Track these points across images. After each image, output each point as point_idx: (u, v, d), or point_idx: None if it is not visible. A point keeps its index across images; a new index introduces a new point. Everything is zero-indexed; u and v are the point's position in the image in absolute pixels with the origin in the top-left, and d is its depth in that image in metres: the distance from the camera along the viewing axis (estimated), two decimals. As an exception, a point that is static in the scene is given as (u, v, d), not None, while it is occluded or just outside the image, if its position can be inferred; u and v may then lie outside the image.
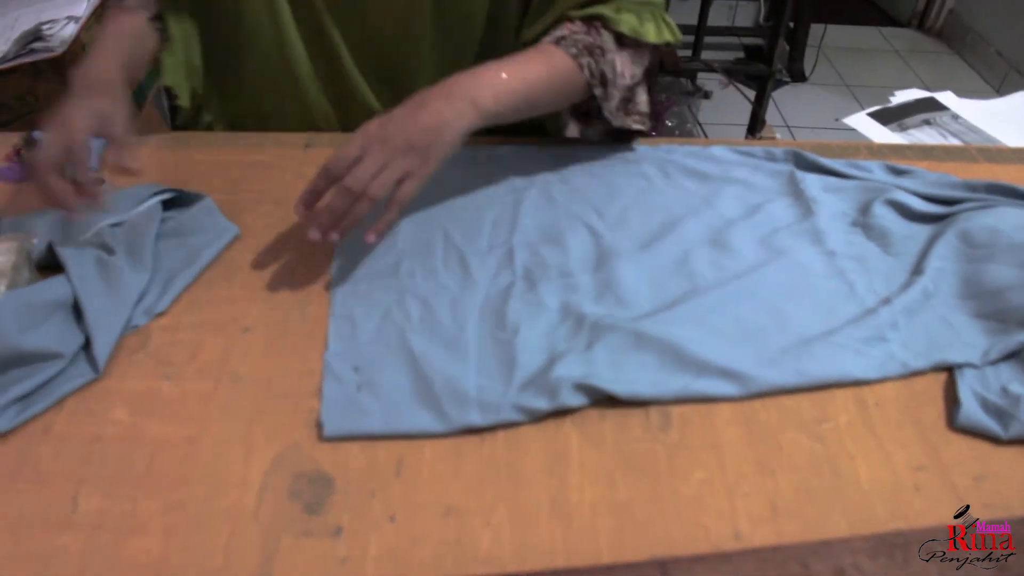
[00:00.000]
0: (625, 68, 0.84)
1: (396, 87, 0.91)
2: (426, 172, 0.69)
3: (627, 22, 0.82)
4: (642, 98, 0.90)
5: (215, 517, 0.56)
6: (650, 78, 0.90)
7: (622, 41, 0.83)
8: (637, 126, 0.89)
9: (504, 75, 0.74)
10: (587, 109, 0.88)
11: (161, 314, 0.71)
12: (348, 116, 0.95)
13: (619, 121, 0.87)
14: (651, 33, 0.84)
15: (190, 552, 0.54)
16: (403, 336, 0.69)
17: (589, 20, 0.83)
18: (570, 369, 0.65)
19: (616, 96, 0.85)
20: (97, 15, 0.90)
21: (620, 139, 0.94)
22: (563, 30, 0.82)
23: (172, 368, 0.66)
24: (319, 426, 0.62)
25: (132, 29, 0.86)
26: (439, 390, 0.64)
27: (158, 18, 0.90)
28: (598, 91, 0.83)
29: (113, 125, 0.72)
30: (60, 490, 0.57)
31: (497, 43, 0.88)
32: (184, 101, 0.95)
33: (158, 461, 0.59)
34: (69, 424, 0.61)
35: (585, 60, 0.80)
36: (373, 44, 0.90)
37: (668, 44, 0.87)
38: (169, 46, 0.92)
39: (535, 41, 0.84)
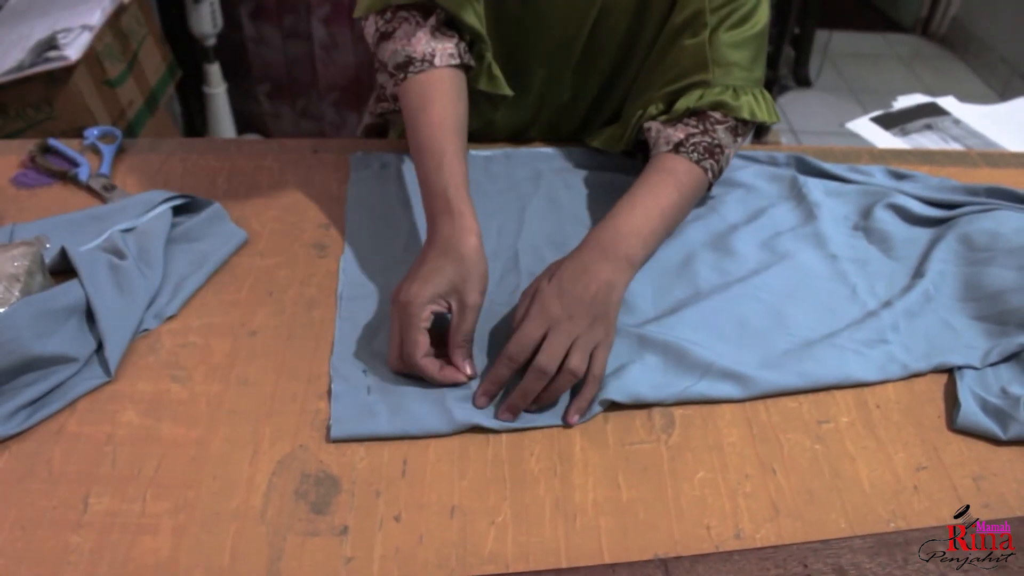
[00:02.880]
0: (733, 154, 0.85)
1: (533, 102, 0.93)
2: (612, 338, 0.68)
3: (747, 106, 0.81)
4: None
5: (223, 517, 0.57)
6: None
7: (736, 131, 0.82)
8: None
9: (643, 217, 0.74)
10: None
11: (171, 318, 0.72)
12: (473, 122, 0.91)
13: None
14: (764, 114, 0.83)
15: (199, 551, 0.55)
16: None
17: (704, 114, 0.81)
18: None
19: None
20: (394, 74, 0.78)
21: None
22: (679, 132, 0.80)
23: (181, 371, 0.67)
24: (325, 428, 0.63)
25: (462, 111, 0.77)
26: (446, 393, 0.65)
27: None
28: (713, 184, 0.84)
29: (462, 307, 0.66)
30: (72, 490, 0.58)
31: (627, 64, 0.89)
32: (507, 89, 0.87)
33: (167, 462, 0.60)
34: (81, 426, 0.62)
35: (708, 163, 0.80)
36: (521, 60, 0.89)
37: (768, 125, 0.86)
38: (492, 59, 0.85)
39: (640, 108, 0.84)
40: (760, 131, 2.52)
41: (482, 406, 0.65)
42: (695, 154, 0.79)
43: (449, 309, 0.66)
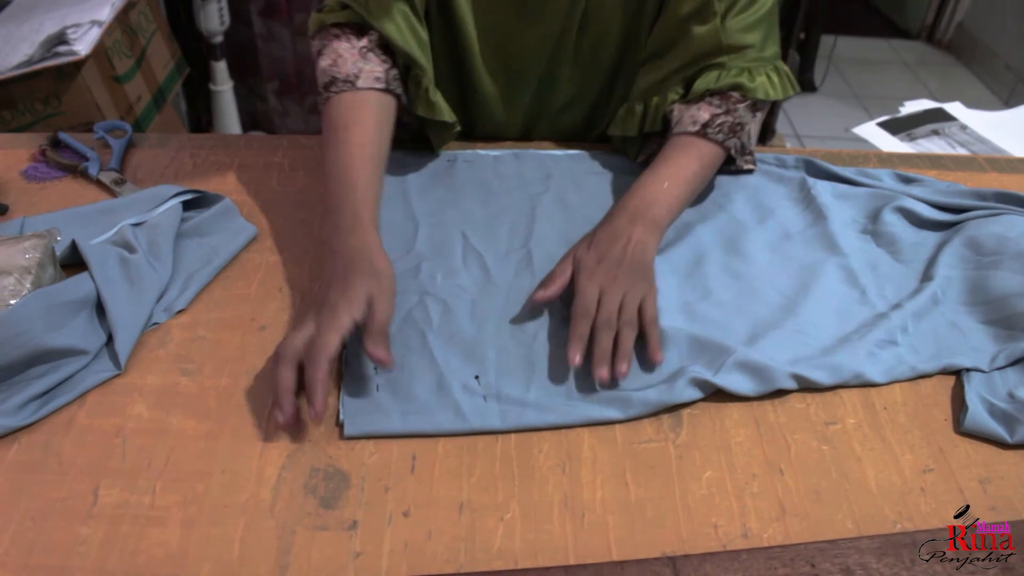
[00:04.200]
0: (755, 130, 0.90)
1: (533, 101, 0.95)
2: (655, 288, 0.74)
3: (762, 87, 0.84)
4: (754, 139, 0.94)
5: (232, 510, 0.57)
6: None
7: (755, 107, 0.86)
8: (749, 167, 0.94)
9: (667, 184, 0.80)
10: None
11: (181, 312, 0.72)
12: (477, 124, 0.98)
13: (738, 168, 0.93)
14: (780, 90, 0.86)
15: (208, 544, 0.55)
16: (423, 337, 0.70)
17: (725, 94, 0.84)
18: (592, 380, 0.67)
19: (744, 153, 0.91)
20: (321, 93, 0.81)
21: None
22: (704, 113, 0.84)
23: (191, 364, 0.67)
24: (336, 423, 0.63)
25: (377, 138, 0.78)
26: (458, 392, 0.65)
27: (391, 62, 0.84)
28: (738, 159, 0.90)
29: (375, 313, 0.65)
30: (81, 482, 0.58)
31: (628, 59, 0.91)
32: (452, 116, 0.90)
33: (177, 455, 0.60)
34: (91, 418, 0.63)
35: (732, 142, 0.85)
36: (513, 60, 0.91)
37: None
38: (431, 84, 0.86)
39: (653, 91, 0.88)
40: (765, 136, 2.53)
41: (579, 363, 0.67)
42: (720, 135, 0.84)
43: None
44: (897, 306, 0.75)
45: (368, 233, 0.70)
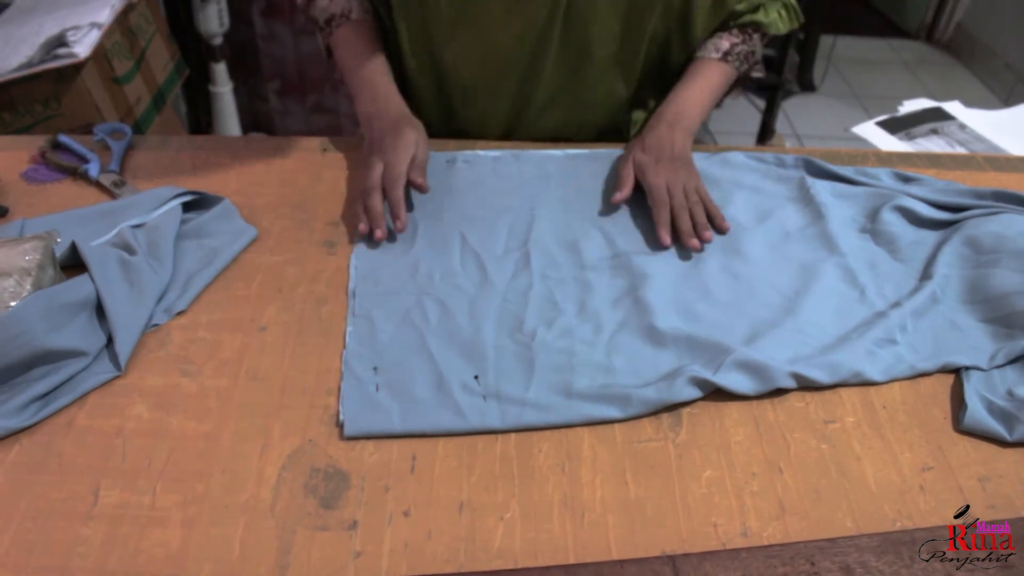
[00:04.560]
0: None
1: (517, 94, 0.98)
2: (698, 176, 0.89)
3: (774, 23, 0.98)
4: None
5: (232, 511, 0.57)
6: None
7: (764, 37, 1.01)
8: (758, 75, 1.11)
9: (695, 98, 0.95)
10: None
11: (181, 313, 0.72)
12: (459, 113, 1.03)
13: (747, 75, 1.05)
14: (786, 24, 1.00)
15: (208, 544, 0.55)
16: (422, 337, 0.70)
17: (743, 27, 0.97)
18: (592, 379, 0.67)
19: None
20: (323, 29, 0.96)
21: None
22: (726, 42, 0.97)
23: (191, 365, 0.67)
24: (335, 423, 0.63)
25: (380, 45, 0.95)
26: (458, 392, 0.65)
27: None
28: (752, 70, 1.03)
29: (418, 154, 0.84)
30: (82, 483, 0.58)
31: (624, 58, 0.95)
32: None
33: (177, 456, 0.60)
34: (91, 419, 0.63)
35: (744, 67, 1.00)
36: (495, 49, 0.94)
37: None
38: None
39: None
40: (764, 136, 2.53)
41: (668, 243, 0.81)
42: (737, 61, 0.98)
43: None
44: (896, 305, 0.75)
45: (401, 101, 0.90)
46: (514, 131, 1.02)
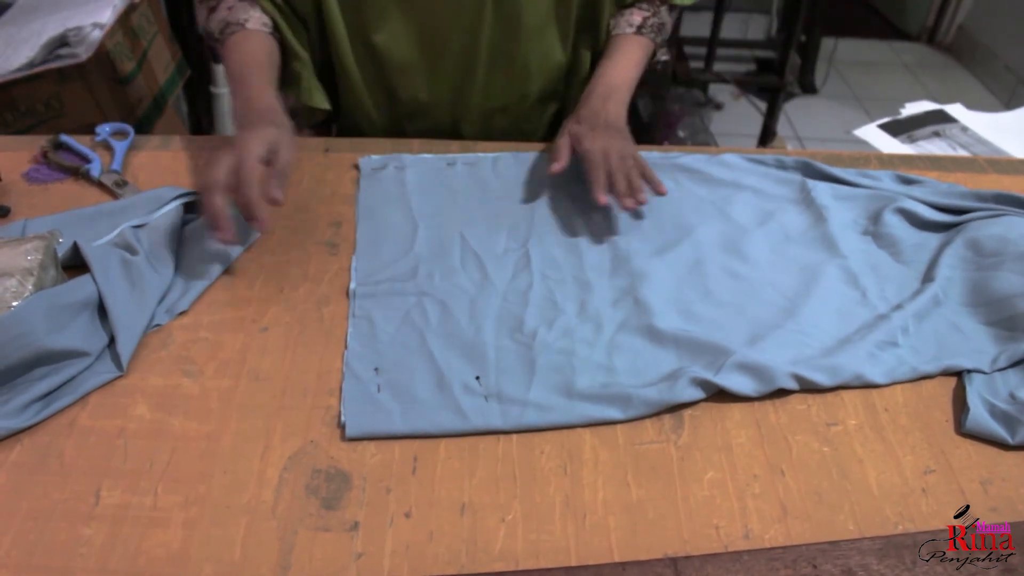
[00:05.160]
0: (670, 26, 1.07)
1: (456, 70, 0.99)
2: (635, 145, 0.89)
3: None
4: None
5: (234, 511, 0.57)
6: None
7: (672, 10, 1.04)
8: (664, 57, 1.09)
9: (622, 72, 0.96)
10: None
11: (182, 313, 0.72)
12: (401, 94, 1.02)
13: (656, 58, 1.07)
14: None
15: (209, 545, 0.55)
16: (422, 338, 0.70)
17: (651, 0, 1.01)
18: (592, 379, 0.67)
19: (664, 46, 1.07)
20: (219, 39, 0.91)
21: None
22: (637, 16, 1.00)
23: (193, 366, 0.67)
24: (337, 424, 0.63)
25: (265, 48, 0.90)
26: (459, 392, 0.65)
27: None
28: (658, 52, 1.05)
29: (279, 151, 0.75)
30: (83, 483, 0.58)
31: (556, 21, 0.98)
32: (325, 104, 1.00)
33: (179, 456, 0.60)
34: (93, 419, 0.63)
35: (659, 39, 1.02)
36: (435, 35, 0.95)
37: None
38: (301, 62, 0.96)
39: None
40: (766, 138, 2.53)
41: (605, 202, 0.82)
42: (652, 33, 1.00)
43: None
44: (898, 307, 0.75)
45: (273, 100, 0.83)
46: (458, 106, 1.03)
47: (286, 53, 0.94)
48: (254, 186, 0.71)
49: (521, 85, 1.02)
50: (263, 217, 0.72)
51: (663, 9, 1.02)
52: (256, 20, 0.90)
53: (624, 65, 0.97)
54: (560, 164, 0.86)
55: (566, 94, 1.08)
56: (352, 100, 1.03)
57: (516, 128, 1.08)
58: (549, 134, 1.13)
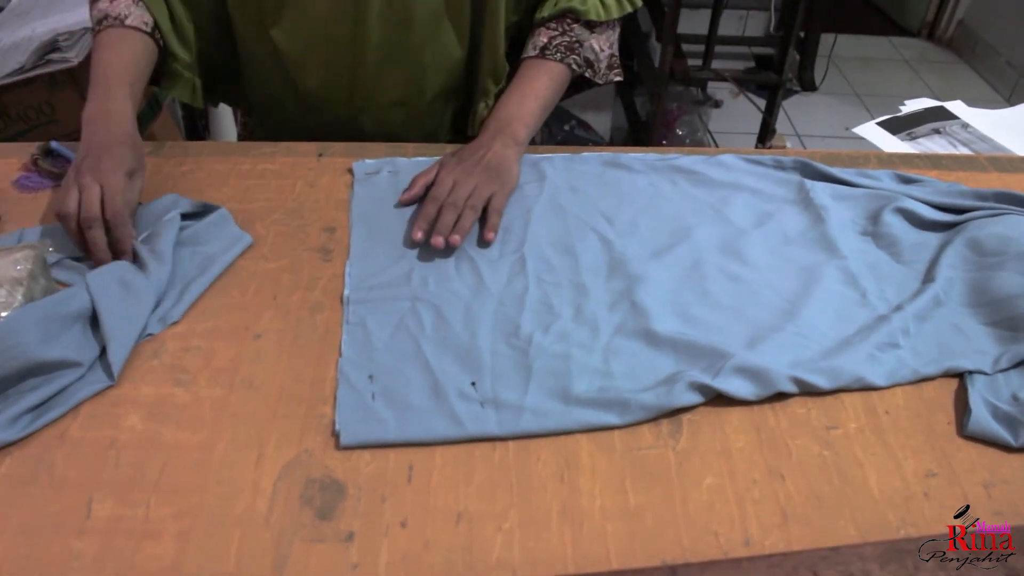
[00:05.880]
0: (603, 45, 1.00)
1: (348, 74, 0.98)
2: (507, 190, 0.86)
3: (593, 8, 0.95)
4: (617, 57, 1.05)
5: (228, 522, 0.56)
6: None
7: (592, 25, 0.97)
8: (618, 78, 1.04)
9: (521, 103, 0.92)
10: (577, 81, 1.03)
11: (175, 322, 0.71)
12: (300, 85, 1.00)
13: (606, 80, 1.03)
14: (614, 10, 0.98)
15: (203, 557, 0.54)
16: (417, 344, 0.69)
17: (559, 17, 0.96)
18: (589, 383, 0.66)
19: (603, 68, 1.01)
20: (94, 30, 0.88)
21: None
22: (543, 37, 0.96)
23: (186, 375, 0.67)
24: (331, 432, 0.62)
25: (135, 57, 0.86)
26: (454, 399, 0.65)
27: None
28: (588, 73, 0.99)
29: (133, 185, 0.77)
30: (75, 495, 0.58)
31: (450, 16, 0.95)
32: (196, 101, 1.00)
33: (171, 467, 0.60)
34: (84, 430, 0.62)
35: (571, 59, 0.96)
36: (322, 30, 0.94)
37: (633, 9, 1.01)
38: (182, 63, 0.96)
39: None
40: (764, 135, 2.52)
41: (419, 239, 0.79)
42: (558, 54, 0.95)
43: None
44: (898, 308, 0.74)
45: (133, 120, 0.81)
46: (355, 100, 1.01)
47: (167, 53, 0.93)
48: (127, 225, 0.74)
49: (417, 80, 1.00)
50: (127, 253, 0.74)
51: (576, 27, 0.96)
52: (136, 17, 0.87)
53: (524, 94, 0.93)
54: (408, 194, 0.85)
55: (469, 92, 1.06)
56: (262, 93, 1.03)
57: (417, 124, 1.06)
58: (455, 135, 1.11)
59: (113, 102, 0.80)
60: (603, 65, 1.00)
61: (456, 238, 0.78)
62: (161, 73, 0.95)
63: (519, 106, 0.92)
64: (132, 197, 0.76)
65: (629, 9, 0.99)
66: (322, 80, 0.99)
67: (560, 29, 0.95)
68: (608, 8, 0.97)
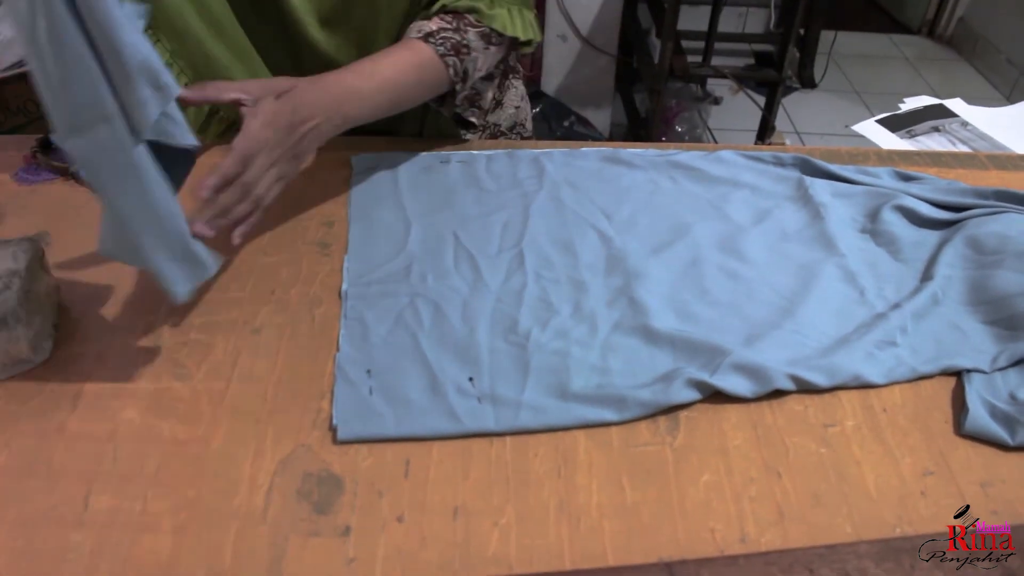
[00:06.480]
0: (483, 64, 0.89)
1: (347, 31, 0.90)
2: (296, 173, 0.76)
3: (499, 18, 0.87)
4: (488, 95, 0.97)
5: (225, 516, 0.56)
6: (499, 73, 0.98)
7: (489, 39, 0.87)
8: (473, 119, 0.95)
9: (375, 86, 0.79)
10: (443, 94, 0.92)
11: (172, 316, 0.71)
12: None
13: (461, 109, 0.93)
14: (519, 30, 0.89)
15: (200, 550, 0.54)
16: (415, 340, 0.69)
17: (460, 14, 0.86)
18: (587, 380, 0.66)
19: (467, 88, 0.90)
20: None
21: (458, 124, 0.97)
22: (433, 24, 0.84)
23: (183, 369, 0.67)
24: (329, 427, 0.62)
25: None
26: (452, 394, 0.65)
27: None
28: (458, 86, 0.87)
29: None
30: (72, 488, 0.58)
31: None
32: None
33: (169, 460, 0.60)
34: (81, 423, 0.62)
35: (452, 60, 0.84)
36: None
37: (528, 43, 0.91)
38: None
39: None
40: (764, 133, 2.52)
41: (202, 232, 0.66)
42: (441, 47, 0.83)
43: None
44: (896, 306, 0.74)
45: None
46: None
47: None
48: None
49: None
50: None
51: (472, 32, 0.85)
52: None
53: (384, 75, 0.80)
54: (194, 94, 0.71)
55: None
56: None
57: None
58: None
59: None
60: (470, 85, 0.90)
61: (236, 240, 0.71)
62: None
63: (371, 85, 0.79)
64: None
65: (532, 36, 0.90)
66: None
67: (455, 25, 0.85)
68: (515, 25, 0.88)
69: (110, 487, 0.58)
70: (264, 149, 0.70)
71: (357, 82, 0.78)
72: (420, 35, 0.83)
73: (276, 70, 0.93)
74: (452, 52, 0.84)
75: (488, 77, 0.94)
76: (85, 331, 0.70)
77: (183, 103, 0.69)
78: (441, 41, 0.83)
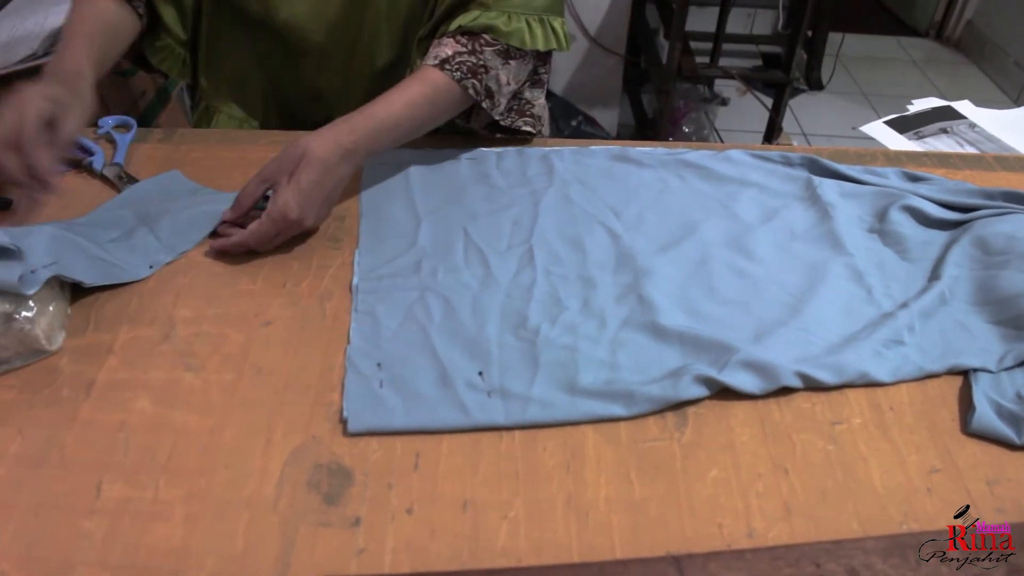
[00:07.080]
0: (510, 78, 0.87)
1: (352, 66, 0.95)
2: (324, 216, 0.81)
3: (518, 33, 0.84)
4: (539, 100, 0.95)
5: (235, 506, 0.57)
6: (545, 81, 0.97)
7: (508, 54, 0.86)
8: (527, 128, 0.94)
9: (388, 124, 0.80)
10: (469, 108, 0.91)
11: (185, 308, 0.72)
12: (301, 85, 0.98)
13: (508, 122, 0.92)
14: (540, 41, 0.86)
15: (210, 539, 0.55)
16: (425, 333, 0.70)
17: (475, 34, 0.84)
18: (596, 375, 0.66)
19: (503, 102, 0.89)
20: None
21: (510, 134, 0.97)
22: (447, 49, 0.84)
23: (195, 360, 0.67)
24: (339, 419, 0.63)
25: (104, 17, 0.85)
26: (462, 388, 0.65)
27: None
28: (486, 104, 0.87)
29: (65, 117, 0.72)
30: (85, 477, 0.58)
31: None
32: (184, 76, 1.01)
33: (180, 450, 0.60)
34: (94, 412, 0.63)
35: (470, 82, 0.83)
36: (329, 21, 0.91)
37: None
38: (158, 31, 0.95)
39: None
40: (771, 134, 2.52)
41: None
42: (458, 72, 0.83)
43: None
44: (904, 305, 0.74)
45: (81, 65, 0.77)
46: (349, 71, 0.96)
47: (163, 27, 0.94)
48: (40, 146, 0.68)
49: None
50: (50, 181, 0.69)
51: (489, 51, 0.84)
52: None
53: (395, 112, 0.80)
54: (233, 213, 0.79)
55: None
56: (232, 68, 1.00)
57: None
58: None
59: (66, 50, 0.79)
60: (503, 99, 0.88)
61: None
62: (153, 46, 0.96)
63: (385, 124, 0.80)
64: (66, 128, 0.72)
65: (555, 47, 0.88)
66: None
67: (470, 47, 0.84)
68: (535, 38, 0.85)
69: (122, 476, 0.58)
70: (300, 218, 0.76)
71: (368, 121, 0.79)
72: (436, 62, 0.83)
73: (275, 75, 0.96)
74: (469, 75, 0.83)
75: (536, 84, 0.94)
76: (98, 322, 0.70)
77: (229, 225, 0.79)
78: (457, 66, 0.83)
